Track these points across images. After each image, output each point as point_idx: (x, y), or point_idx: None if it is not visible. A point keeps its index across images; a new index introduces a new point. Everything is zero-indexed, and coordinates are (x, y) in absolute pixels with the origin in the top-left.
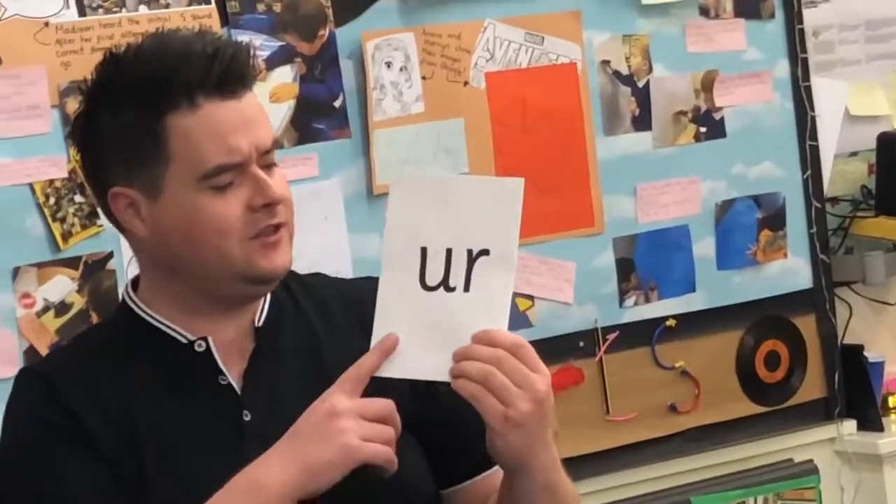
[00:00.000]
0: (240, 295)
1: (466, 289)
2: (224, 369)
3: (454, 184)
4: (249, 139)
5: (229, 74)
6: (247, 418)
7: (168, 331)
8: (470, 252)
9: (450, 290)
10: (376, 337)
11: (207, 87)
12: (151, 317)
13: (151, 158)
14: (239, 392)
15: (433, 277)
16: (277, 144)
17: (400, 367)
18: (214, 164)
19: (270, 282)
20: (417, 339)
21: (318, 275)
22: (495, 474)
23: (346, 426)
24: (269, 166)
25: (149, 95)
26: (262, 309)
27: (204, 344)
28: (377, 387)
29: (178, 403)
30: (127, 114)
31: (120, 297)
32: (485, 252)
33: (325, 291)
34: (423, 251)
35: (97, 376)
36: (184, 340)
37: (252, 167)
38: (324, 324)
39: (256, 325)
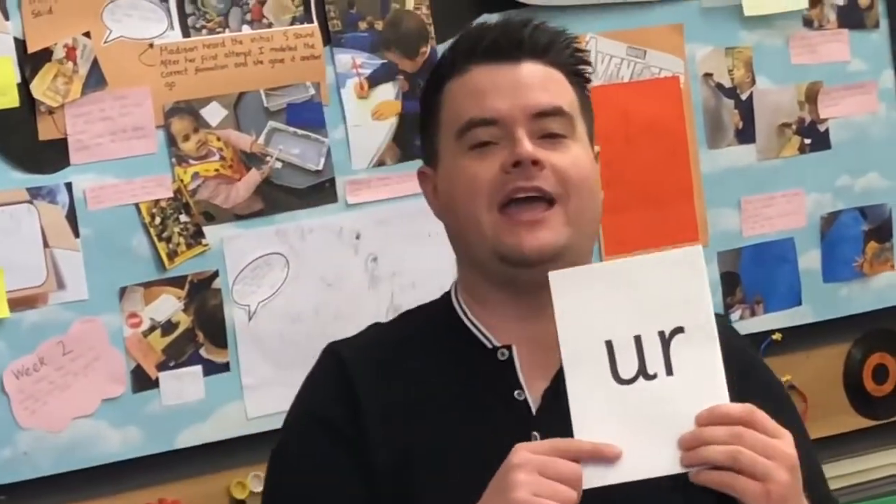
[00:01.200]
0: (506, 278)
1: (669, 372)
2: (523, 383)
3: (624, 267)
4: (512, 99)
5: (500, 41)
6: (536, 439)
7: (475, 331)
8: (662, 334)
9: (650, 377)
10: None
11: (477, 54)
12: (464, 313)
13: (433, 130)
14: (534, 411)
15: (627, 369)
16: (563, 114)
17: (624, 471)
18: (466, 119)
19: (524, 264)
20: (631, 436)
21: None
22: None
23: (520, 480)
24: (551, 136)
25: (434, 73)
26: None
27: (507, 353)
28: None
29: (468, 409)
30: (424, 93)
31: (226, 318)
32: (679, 330)
33: None
34: (609, 344)
35: (394, 369)
36: (489, 345)
37: (515, 127)
38: None
39: None
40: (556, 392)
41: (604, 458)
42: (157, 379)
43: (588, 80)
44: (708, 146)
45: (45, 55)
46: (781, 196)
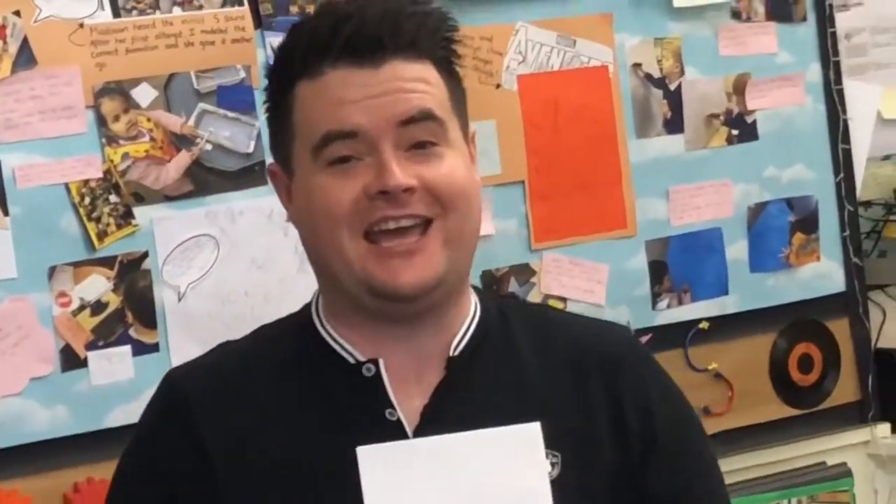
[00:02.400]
0: (377, 309)
1: None
2: (394, 401)
3: (448, 444)
4: (377, 110)
5: (358, 39)
6: None
7: (336, 346)
8: None
9: None
10: None
11: (332, 55)
12: (324, 328)
13: (285, 133)
14: (410, 433)
15: None
16: (433, 118)
17: None
18: (323, 132)
19: (400, 300)
20: None
21: (545, 307)
22: None
23: None
24: (421, 146)
25: (284, 67)
26: (462, 334)
27: (373, 368)
28: (571, 441)
29: (332, 433)
30: (272, 88)
31: (156, 299)
32: None
33: (554, 328)
34: None
35: (244, 394)
36: (351, 360)
37: (380, 142)
38: (539, 365)
39: (451, 353)
40: (437, 409)
41: None
42: (86, 358)
43: (459, 61)
44: (637, 136)
45: None
46: (709, 186)
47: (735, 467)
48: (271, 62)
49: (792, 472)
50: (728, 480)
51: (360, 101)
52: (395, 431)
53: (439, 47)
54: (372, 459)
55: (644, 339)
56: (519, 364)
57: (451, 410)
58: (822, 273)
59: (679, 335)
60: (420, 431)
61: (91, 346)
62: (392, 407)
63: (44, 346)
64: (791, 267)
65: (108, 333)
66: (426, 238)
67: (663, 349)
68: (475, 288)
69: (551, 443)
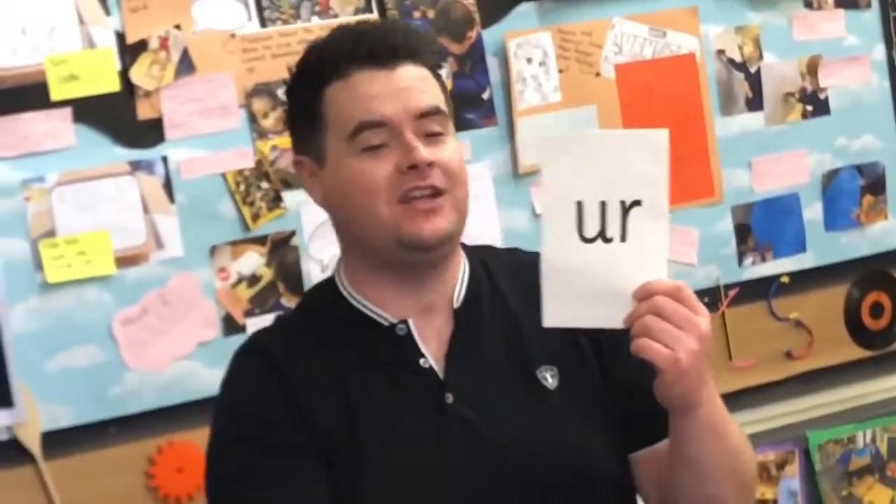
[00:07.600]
0: (403, 261)
1: (623, 239)
2: (426, 353)
3: (601, 138)
4: (397, 103)
5: (378, 47)
6: (449, 401)
7: (370, 314)
8: (623, 203)
9: (607, 241)
10: (546, 289)
11: (358, 60)
12: (354, 298)
13: (315, 128)
14: (441, 375)
15: (590, 230)
16: (441, 113)
17: (571, 317)
18: (357, 122)
19: (422, 249)
20: (584, 288)
21: (515, 250)
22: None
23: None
24: (432, 135)
25: (311, 74)
26: (459, 288)
27: (405, 328)
28: (562, 355)
29: (383, 385)
30: (300, 92)
31: (303, 271)
32: (637, 203)
33: (523, 266)
34: (579, 205)
35: (311, 355)
36: (385, 323)
37: (404, 131)
38: (520, 299)
39: (455, 306)
40: (455, 354)
41: None
42: (244, 325)
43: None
44: (721, 114)
45: (142, 45)
46: (787, 156)
47: (815, 403)
48: (292, 76)
49: (866, 406)
50: (809, 416)
51: (384, 95)
52: (429, 375)
53: (434, 58)
54: (551, 144)
55: (732, 293)
56: (507, 305)
57: (466, 354)
58: (890, 230)
59: (763, 289)
60: (449, 374)
61: (248, 313)
62: (424, 356)
63: (208, 315)
64: (862, 225)
65: (262, 302)
66: (441, 200)
67: (749, 301)
68: (461, 244)
69: (550, 359)
